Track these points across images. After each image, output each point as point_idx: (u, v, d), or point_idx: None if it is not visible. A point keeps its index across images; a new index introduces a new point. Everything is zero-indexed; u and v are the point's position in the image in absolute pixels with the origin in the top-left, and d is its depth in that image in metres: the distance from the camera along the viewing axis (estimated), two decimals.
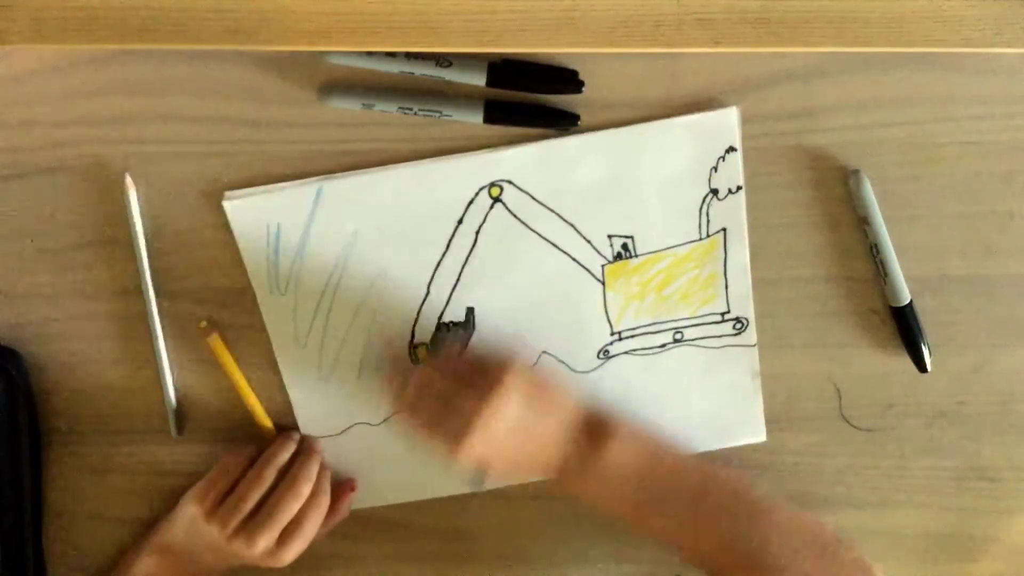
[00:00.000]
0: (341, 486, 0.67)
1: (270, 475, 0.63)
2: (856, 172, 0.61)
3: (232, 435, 0.66)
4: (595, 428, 0.59)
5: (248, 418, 0.66)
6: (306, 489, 0.63)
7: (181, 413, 0.66)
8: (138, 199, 0.61)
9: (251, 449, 0.65)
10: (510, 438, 0.56)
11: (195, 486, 0.64)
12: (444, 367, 0.59)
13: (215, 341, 0.63)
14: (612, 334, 0.65)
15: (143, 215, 0.62)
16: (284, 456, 0.64)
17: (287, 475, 0.63)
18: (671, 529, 0.59)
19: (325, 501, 0.64)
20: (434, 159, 0.60)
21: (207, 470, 0.65)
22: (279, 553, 0.62)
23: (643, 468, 0.59)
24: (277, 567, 0.63)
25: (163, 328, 0.64)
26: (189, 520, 0.63)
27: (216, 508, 0.62)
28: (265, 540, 0.61)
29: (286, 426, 0.66)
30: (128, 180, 0.60)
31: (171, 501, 0.66)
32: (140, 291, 0.63)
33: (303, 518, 0.62)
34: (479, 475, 0.61)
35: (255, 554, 0.61)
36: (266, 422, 0.66)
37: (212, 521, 0.62)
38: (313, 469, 0.64)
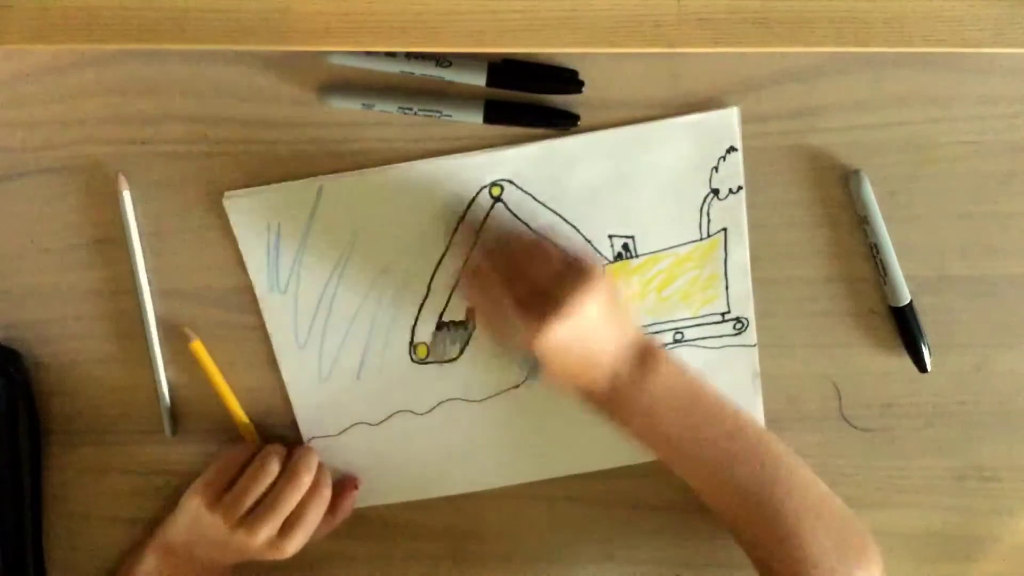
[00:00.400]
0: (344, 483, 0.67)
1: (272, 467, 0.63)
2: (856, 172, 0.61)
3: (232, 436, 0.66)
4: (645, 355, 0.59)
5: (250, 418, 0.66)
6: (307, 479, 0.63)
7: (176, 413, 0.66)
8: (136, 199, 0.61)
9: (251, 443, 0.65)
10: (579, 340, 0.55)
11: (196, 480, 0.64)
12: (532, 251, 0.57)
13: (197, 346, 0.63)
14: None
15: (143, 215, 0.62)
16: (284, 449, 0.64)
17: (287, 466, 0.63)
18: (701, 468, 0.59)
19: (326, 493, 0.64)
20: (435, 158, 0.60)
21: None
22: (281, 544, 0.62)
23: (685, 400, 0.59)
24: (279, 559, 0.63)
25: (162, 328, 0.64)
26: (192, 515, 0.63)
27: (218, 501, 0.62)
28: (267, 531, 0.61)
29: (284, 426, 0.66)
30: (121, 180, 0.60)
31: (171, 501, 0.66)
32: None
33: (304, 509, 0.62)
34: (536, 366, 0.59)
35: (257, 545, 0.61)
36: (248, 429, 0.66)
37: (215, 514, 0.62)
38: (313, 461, 0.64)
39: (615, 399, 0.58)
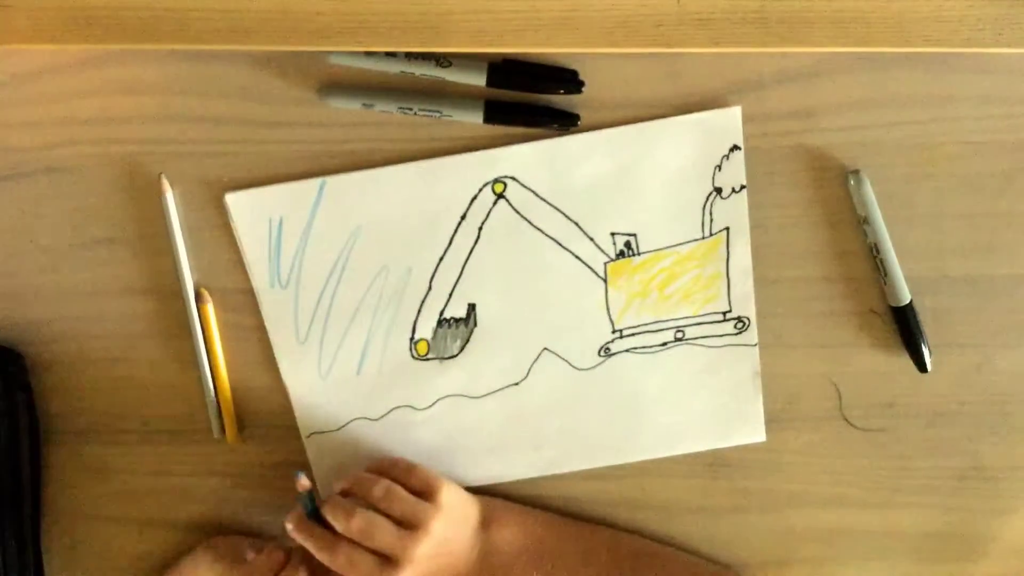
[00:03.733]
0: None
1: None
2: (856, 172, 0.61)
3: (248, 435, 0.66)
4: (485, 518, 0.64)
5: (251, 418, 0.66)
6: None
7: (237, 412, 0.66)
8: (135, 199, 0.61)
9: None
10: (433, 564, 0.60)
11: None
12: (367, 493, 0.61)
13: (204, 309, 0.63)
14: (613, 332, 0.65)
15: (142, 215, 0.62)
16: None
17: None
18: None
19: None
20: (436, 158, 0.60)
21: (207, 471, 0.65)
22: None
23: (533, 542, 0.64)
24: None
25: (160, 327, 0.64)
26: None
27: None
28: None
29: (283, 424, 0.66)
30: (164, 181, 0.61)
31: (170, 502, 0.66)
32: (141, 290, 0.63)
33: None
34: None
35: None
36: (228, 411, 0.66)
37: None
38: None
39: (474, 566, 0.63)
